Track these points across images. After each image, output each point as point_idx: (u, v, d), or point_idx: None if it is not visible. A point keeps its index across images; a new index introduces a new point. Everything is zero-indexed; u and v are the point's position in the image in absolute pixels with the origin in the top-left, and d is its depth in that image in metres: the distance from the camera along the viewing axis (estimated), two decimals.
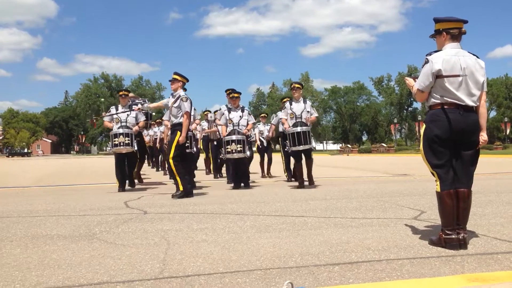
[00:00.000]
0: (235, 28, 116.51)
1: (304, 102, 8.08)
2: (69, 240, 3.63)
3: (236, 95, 8.39)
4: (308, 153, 8.08)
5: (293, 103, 8.05)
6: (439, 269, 2.66)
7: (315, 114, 8.20)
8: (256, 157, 10.68)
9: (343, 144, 67.08)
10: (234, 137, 7.92)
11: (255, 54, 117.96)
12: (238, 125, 8.20)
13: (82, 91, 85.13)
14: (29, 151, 75.62)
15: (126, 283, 2.49)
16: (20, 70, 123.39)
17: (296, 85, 8.25)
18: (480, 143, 3.20)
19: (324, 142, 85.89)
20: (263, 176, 11.03)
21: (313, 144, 7.68)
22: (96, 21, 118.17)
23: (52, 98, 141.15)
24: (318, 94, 79.46)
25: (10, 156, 63.36)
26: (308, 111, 8.01)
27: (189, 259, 2.95)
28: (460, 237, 3.11)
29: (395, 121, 65.08)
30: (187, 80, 7.11)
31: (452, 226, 3.13)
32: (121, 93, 8.60)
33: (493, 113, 71.58)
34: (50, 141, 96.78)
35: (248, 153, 8.04)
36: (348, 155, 43.28)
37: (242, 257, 3.00)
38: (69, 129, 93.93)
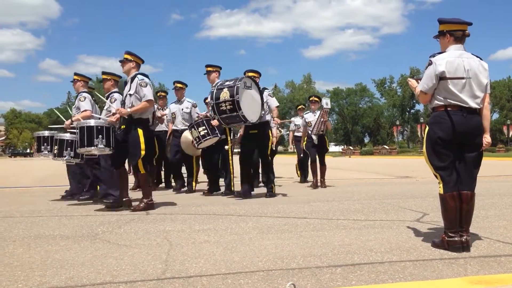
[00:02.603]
0: (237, 30, 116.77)
1: (131, 81, 5.46)
2: (71, 240, 3.63)
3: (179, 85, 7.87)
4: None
5: None
6: (441, 272, 2.65)
7: (145, 99, 5.28)
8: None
9: (345, 146, 67.02)
10: None
11: (257, 55, 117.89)
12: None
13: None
14: (31, 151, 75.74)
15: (128, 283, 2.49)
16: (23, 71, 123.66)
17: (125, 55, 5.62)
18: (484, 145, 3.19)
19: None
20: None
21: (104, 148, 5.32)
22: (98, 22, 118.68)
23: (55, 99, 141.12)
24: (320, 95, 79.27)
25: (12, 156, 63.52)
26: (131, 94, 5.38)
27: (191, 260, 2.95)
28: (463, 239, 3.11)
29: (397, 123, 64.99)
30: None
31: (455, 228, 3.12)
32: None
33: (495, 116, 71.37)
34: None
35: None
36: (350, 157, 43.24)
37: (245, 258, 3.00)
38: None
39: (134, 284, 2.48)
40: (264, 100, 6.54)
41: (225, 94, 5.99)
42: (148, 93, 5.28)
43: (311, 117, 8.33)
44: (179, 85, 7.96)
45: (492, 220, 4.39)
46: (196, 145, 6.93)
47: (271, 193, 6.71)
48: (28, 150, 75.74)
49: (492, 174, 11.58)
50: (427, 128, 3.28)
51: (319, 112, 8.11)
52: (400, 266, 2.77)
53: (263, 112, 6.42)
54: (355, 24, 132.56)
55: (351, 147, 56.75)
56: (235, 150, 8.16)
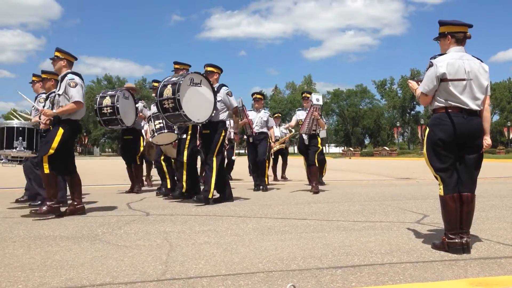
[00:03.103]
0: (237, 31, 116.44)
1: (62, 80, 5.13)
2: (71, 241, 3.63)
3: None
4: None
5: None
6: (442, 273, 2.65)
7: (72, 100, 4.97)
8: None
9: (345, 147, 67.02)
10: None
11: (258, 56, 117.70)
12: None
13: (85, 92, 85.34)
14: None
15: (128, 284, 2.49)
16: (23, 71, 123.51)
17: (56, 53, 5.20)
18: (484, 147, 3.20)
19: (327, 145, 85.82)
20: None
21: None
22: (99, 23, 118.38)
23: None
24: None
25: None
26: (59, 94, 5.09)
27: (191, 261, 2.95)
28: (463, 241, 3.11)
29: (398, 124, 65.05)
30: None
31: (455, 230, 3.13)
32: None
33: (496, 117, 71.36)
34: None
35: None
36: (350, 158, 43.25)
37: (245, 259, 3.00)
38: None
39: (134, 285, 2.48)
40: (220, 99, 6.10)
41: (168, 91, 5.59)
42: (75, 94, 4.93)
43: (303, 115, 7.71)
44: (156, 84, 7.31)
45: (493, 221, 4.39)
46: (150, 138, 6.56)
47: (213, 200, 6.04)
48: None
49: (492, 175, 11.58)
50: (427, 129, 3.28)
51: (309, 109, 7.46)
52: (400, 268, 2.77)
53: (215, 111, 5.95)
54: (355, 25, 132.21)
55: (351, 149, 56.77)
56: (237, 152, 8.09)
